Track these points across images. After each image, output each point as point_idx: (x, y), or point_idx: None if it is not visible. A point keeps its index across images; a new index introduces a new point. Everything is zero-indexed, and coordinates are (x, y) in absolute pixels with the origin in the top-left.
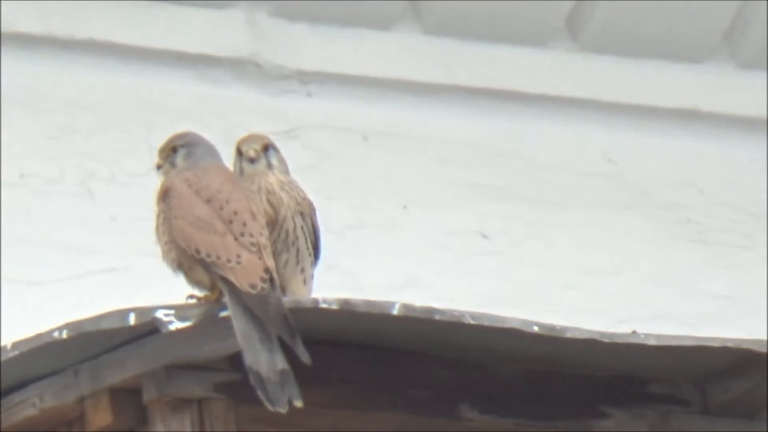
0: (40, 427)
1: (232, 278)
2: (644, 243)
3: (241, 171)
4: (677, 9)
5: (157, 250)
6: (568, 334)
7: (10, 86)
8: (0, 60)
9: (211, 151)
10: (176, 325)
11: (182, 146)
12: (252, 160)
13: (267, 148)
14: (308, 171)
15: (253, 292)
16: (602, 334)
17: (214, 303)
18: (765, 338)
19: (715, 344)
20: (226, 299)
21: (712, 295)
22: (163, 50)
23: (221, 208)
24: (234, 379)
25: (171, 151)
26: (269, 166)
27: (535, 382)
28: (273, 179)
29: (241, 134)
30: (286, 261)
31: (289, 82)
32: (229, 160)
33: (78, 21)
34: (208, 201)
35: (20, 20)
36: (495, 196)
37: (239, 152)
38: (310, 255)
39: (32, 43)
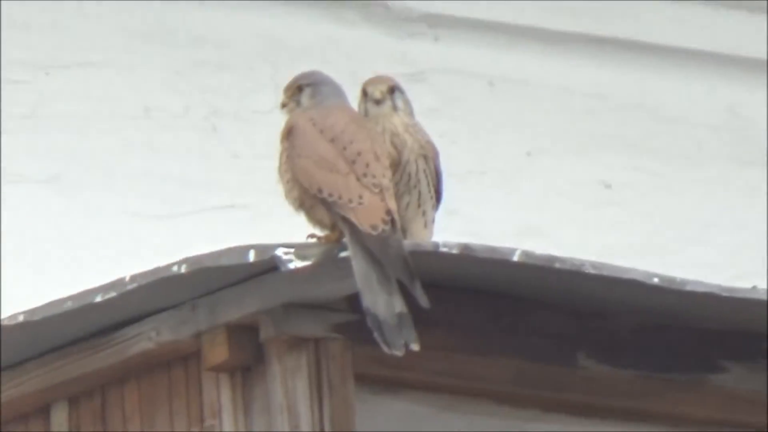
0: (156, 361)
1: (354, 219)
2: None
3: (366, 112)
4: None
5: (279, 189)
6: (688, 287)
7: (140, 20)
8: None
9: (337, 91)
10: (296, 263)
11: (308, 85)
12: (377, 102)
13: (393, 90)
14: (433, 115)
15: (374, 233)
16: (722, 288)
17: (334, 243)
18: None
19: None
20: (347, 240)
21: None
22: None
23: (345, 148)
24: (352, 319)
25: (296, 89)
26: (394, 108)
27: (653, 334)
28: (397, 121)
29: (367, 75)
30: (408, 204)
31: (416, 25)
32: (354, 100)
33: None
34: (332, 141)
35: None
36: (619, 146)
37: (365, 93)
38: (431, 198)
39: None
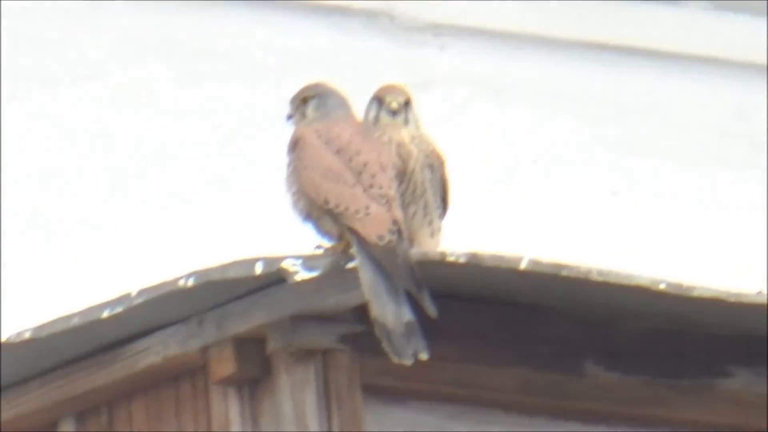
0: (164, 375)
1: (360, 229)
2: None
3: (377, 119)
4: None
5: (287, 200)
6: (696, 293)
7: (146, 33)
8: (134, 7)
9: (342, 103)
10: (303, 275)
11: (313, 97)
12: (394, 113)
13: (407, 102)
14: (439, 123)
15: (381, 243)
16: (729, 293)
17: (341, 254)
18: None
19: None
20: (354, 250)
21: None
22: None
23: (351, 159)
24: (359, 330)
25: (302, 101)
26: (406, 121)
27: (661, 340)
28: (405, 133)
29: (373, 85)
30: (414, 213)
31: (422, 34)
32: (360, 111)
33: None
34: (338, 152)
35: None
36: (628, 153)
37: (380, 101)
38: (438, 208)
39: None
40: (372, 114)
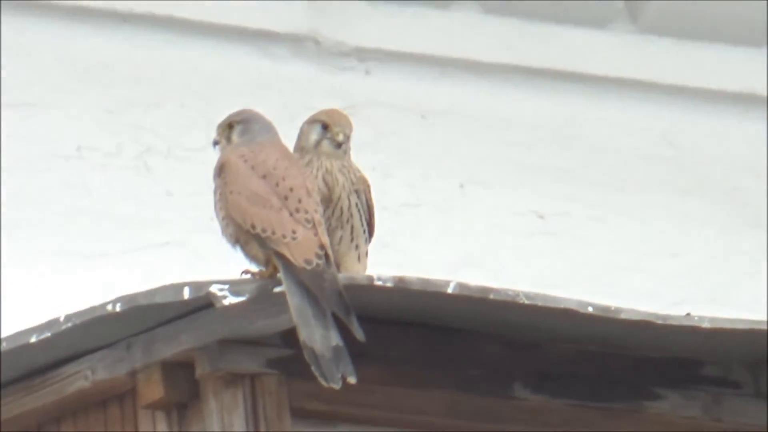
0: (92, 400)
1: (287, 254)
2: (702, 227)
3: (317, 144)
4: None
5: (214, 226)
6: (623, 315)
7: (72, 59)
8: (60, 33)
9: (268, 128)
10: (230, 300)
11: (239, 122)
12: (339, 144)
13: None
14: (365, 148)
15: (308, 267)
16: (656, 315)
17: (268, 278)
18: None
19: None
20: (281, 275)
21: None
22: (222, 25)
23: (277, 184)
24: (287, 354)
25: (227, 127)
26: (345, 152)
27: (589, 363)
28: (334, 161)
29: (300, 110)
30: (341, 238)
31: (347, 59)
32: (286, 135)
33: None
34: (264, 177)
35: None
36: (554, 176)
37: (325, 127)
38: (364, 232)
39: (92, 16)
40: (314, 137)
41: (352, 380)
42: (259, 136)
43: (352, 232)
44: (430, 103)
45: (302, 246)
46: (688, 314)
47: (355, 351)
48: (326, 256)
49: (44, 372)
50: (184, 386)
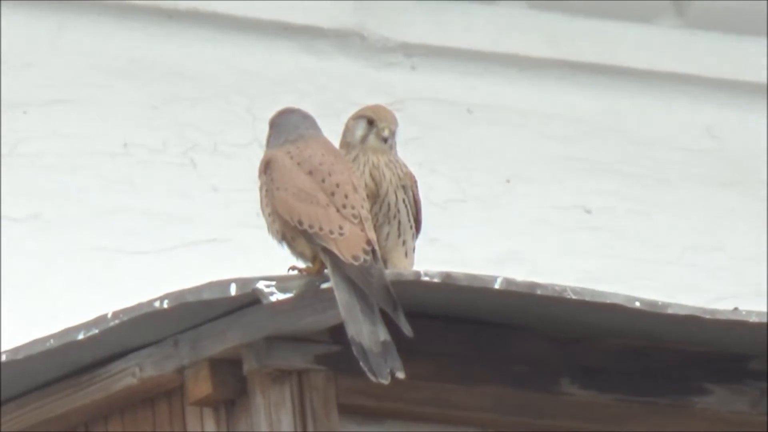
0: (140, 396)
1: (335, 249)
2: (746, 220)
3: (364, 139)
4: None
5: (260, 222)
6: (670, 310)
7: (116, 56)
8: (106, 30)
9: (313, 124)
10: (277, 296)
11: (270, 126)
12: (385, 139)
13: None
14: (411, 144)
15: (356, 263)
16: (704, 310)
17: (315, 275)
18: None
19: None
20: (328, 271)
21: None
22: (267, 21)
23: (323, 180)
24: (335, 350)
25: (272, 124)
26: (391, 147)
27: (636, 358)
28: (382, 156)
29: (345, 107)
30: (388, 234)
31: (393, 55)
32: (331, 132)
33: None
34: (310, 173)
35: None
36: (598, 171)
37: (371, 122)
38: (411, 228)
39: (137, 13)
40: (359, 133)
41: (400, 375)
42: (305, 132)
43: (399, 228)
44: (475, 98)
45: (349, 242)
46: (735, 308)
47: (402, 346)
48: (373, 251)
49: (92, 369)
50: (231, 383)
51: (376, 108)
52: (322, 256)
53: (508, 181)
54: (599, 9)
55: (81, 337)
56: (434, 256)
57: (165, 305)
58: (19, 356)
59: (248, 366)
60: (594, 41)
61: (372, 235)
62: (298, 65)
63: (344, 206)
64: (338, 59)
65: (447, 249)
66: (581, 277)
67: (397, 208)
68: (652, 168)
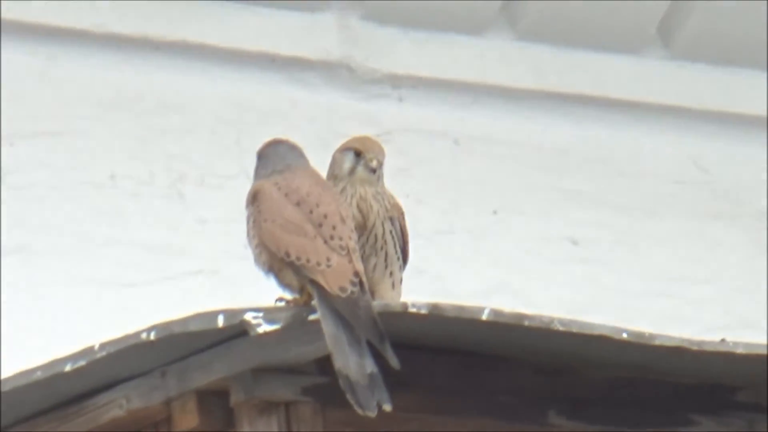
0: (127, 428)
1: (322, 281)
2: (734, 251)
3: (352, 172)
4: None
5: (247, 253)
6: (657, 341)
7: (104, 87)
8: (94, 61)
9: (300, 155)
10: (265, 327)
11: (257, 158)
12: (373, 170)
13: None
14: (399, 175)
15: (343, 295)
16: (691, 341)
17: (303, 306)
18: None
19: None
20: (316, 302)
21: None
22: (255, 52)
23: (311, 212)
24: (322, 382)
25: (259, 155)
26: (379, 178)
27: (624, 389)
28: (369, 188)
29: (333, 138)
30: (375, 265)
31: (380, 86)
32: (319, 163)
33: (171, 23)
34: (298, 204)
35: (114, 22)
36: (585, 202)
37: (358, 154)
38: (398, 259)
39: (125, 44)
40: (347, 165)
41: (387, 408)
42: (292, 164)
43: (386, 259)
44: (462, 129)
45: (337, 273)
46: (722, 340)
47: (389, 378)
48: (361, 283)
49: (79, 401)
50: (218, 414)
51: (363, 139)
52: (310, 288)
53: (495, 212)
54: (586, 41)
55: (68, 368)
56: (422, 287)
57: (152, 337)
58: (6, 388)
59: (235, 397)
60: (581, 73)
61: (360, 267)
62: (285, 97)
63: (332, 237)
64: (326, 91)
65: (434, 280)
66: (569, 308)
67: (384, 239)
68: (639, 199)
